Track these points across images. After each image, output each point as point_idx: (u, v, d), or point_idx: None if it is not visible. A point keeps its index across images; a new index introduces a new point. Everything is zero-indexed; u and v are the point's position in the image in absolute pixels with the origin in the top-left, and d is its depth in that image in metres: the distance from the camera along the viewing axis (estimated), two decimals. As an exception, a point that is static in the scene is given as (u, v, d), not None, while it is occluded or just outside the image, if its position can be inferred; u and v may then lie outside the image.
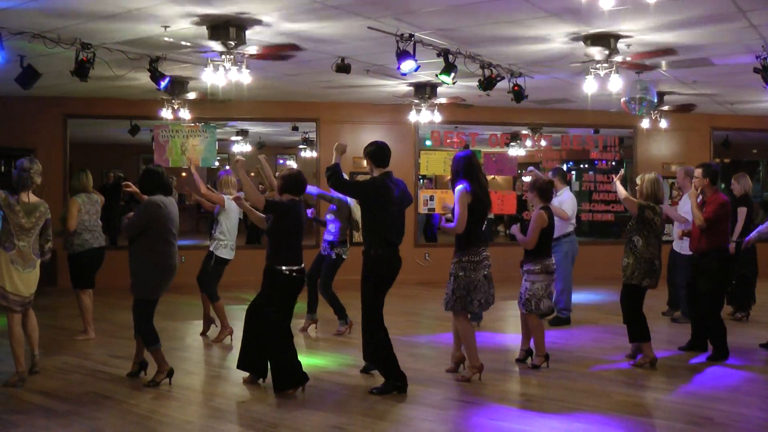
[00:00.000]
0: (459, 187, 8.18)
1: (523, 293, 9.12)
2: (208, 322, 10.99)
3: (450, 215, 8.42)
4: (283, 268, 7.89)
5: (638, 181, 9.36)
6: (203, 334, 10.98)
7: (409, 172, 16.38)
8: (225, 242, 10.48)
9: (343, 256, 10.85)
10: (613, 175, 9.74)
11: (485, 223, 8.65)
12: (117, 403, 7.70)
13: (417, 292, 14.85)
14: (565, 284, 11.60)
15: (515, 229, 9.20)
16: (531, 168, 11.92)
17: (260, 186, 18.59)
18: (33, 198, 8.37)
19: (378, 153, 8.19)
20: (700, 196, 9.75)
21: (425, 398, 7.89)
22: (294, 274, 7.95)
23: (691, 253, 10.05)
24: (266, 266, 8.01)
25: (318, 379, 8.42)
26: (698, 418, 7.22)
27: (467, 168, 8.32)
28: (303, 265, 8.10)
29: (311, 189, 10.29)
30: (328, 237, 10.87)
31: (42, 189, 14.02)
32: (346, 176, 8.32)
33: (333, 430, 6.93)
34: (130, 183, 8.76)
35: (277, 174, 8.78)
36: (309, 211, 11.38)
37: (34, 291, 8.48)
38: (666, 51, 10.86)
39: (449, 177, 8.80)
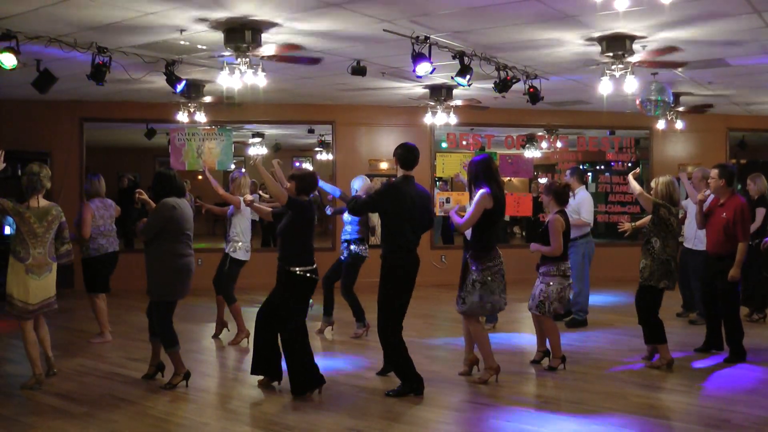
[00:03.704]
0: (481, 191, 8.18)
1: (538, 295, 9.10)
2: (221, 326, 11.05)
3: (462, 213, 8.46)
4: (297, 269, 7.91)
5: (653, 184, 9.34)
6: (215, 336, 11.03)
7: (425, 175, 16.37)
8: (240, 244, 10.51)
9: (363, 254, 10.85)
10: (629, 176, 9.71)
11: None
12: (133, 405, 7.72)
13: (433, 294, 14.83)
14: (582, 286, 11.58)
15: (535, 246, 9.19)
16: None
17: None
18: (43, 202, 8.36)
19: (404, 156, 8.22)
20: (716, 198, 9.72)
21: (442, 400, 7.89)
22: (308, 274, 7.97)
23: (704, 249, 10.04)
24: (279, 267, 8.02)
25: (334, 382, 8.43)
26: (715, 420, 7.18)
27: (486, 171, 8.32)
28: (315, 265, 8.13)
29: (333, 189, 10.32)
30: (345, 236, 10.88)
31: (59, 192, 14.17)
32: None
33: (349, 432, 6.96)
34: (142, 191, 8.78)
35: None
36: (329, 209, 11.49)
37: (54, 293, 8.52)
38: (681, 52, 10.81)
39: (465, 179, 8.81)
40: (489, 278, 8.26)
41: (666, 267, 8.97)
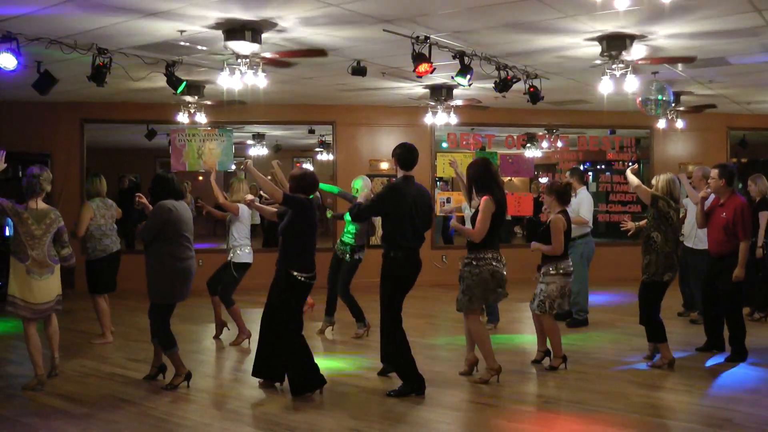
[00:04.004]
0: (484, 198, 8.19)
1: (538, 294, 9.12)
2: (220, 326, 11.05)
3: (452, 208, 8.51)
4: (296, 273, 7.90)
5: (654, 181, 9.33)
6: (216, 337, 11.04)
7: (426, 175, 16.38)
8: (240, 248, 10.51)
9: (361, 259, 10.86)
10: (628, 171, 9.72)
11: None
12: (134, 406, 7.73)
13: (434, 294, 14.83)
14: (581, 286, 11.58)
15: (535, 244, 9.19)
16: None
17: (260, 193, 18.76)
18: (42, 205, 8.37)
19: (403, 156, 8.23)
20: (717, 198, 9.72)
21: (443, 400, 7.89)
22: (306, 280, 7.97)
23: (706, 248, 10.04)
24: (279, 268, 8.02)
25: (336, 382, 8.43)
26: (717, 420, 7.18)
27: (485, 174, 8.33)
28: (315, 271, 8.12)
29: (332, 188, 10.31)
30: (347, 239, 10.87)
31: (60, 193, 14.17)
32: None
33: (350, 432, 6.96)
34: (142, 195, 8.78)
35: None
36: (329, 213, 11.52)
37: (59, 294, 8.53)
38: (682, 51, 10.80)
39: (463, 178, 8.82)
40: (474, 271, 8.24)
41: (669, 260, 8.96)
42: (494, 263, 8.31)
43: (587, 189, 11.97)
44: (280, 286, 8.00)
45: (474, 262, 8.27)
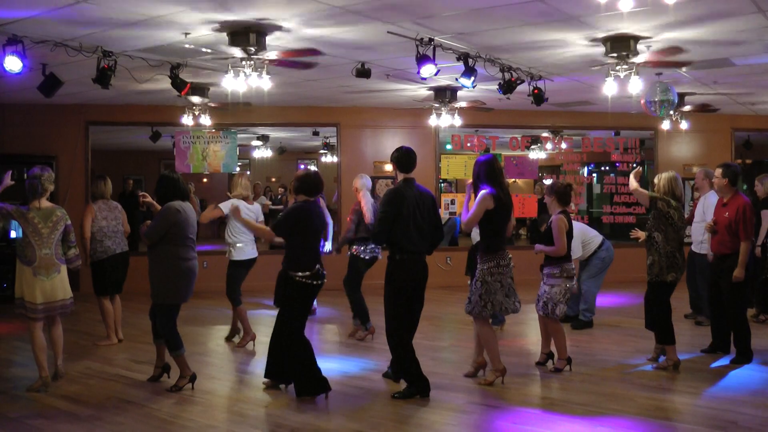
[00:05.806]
0: (483, 191, 8.20)
1: (542, 296, 9.11)
2: (233, 331, 11.02)
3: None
4: (298, 274, 7.89)
5: (656, 180, 9.31)
6: (228, 339, 11.03)
7: (430, 176, 16.37)
8: (238, 245, 10.47)
9: (361, 255, 10.81)
10: (631, 174, 9.71)
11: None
12: (139, 407, 7.74)
13: (439, 295, 14.81)
14: (594, 286, 11.59)
15: (539, 247, 9.17)
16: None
17: (280, 190, 18.77)
18: (46, 203, 8.38)
19: (402, 159, 8.24)
20: (720, 198, 9.72)
21: (448, 402, 7.88)
22: (306, 280, 7.95)
23: (710, 252, 10.03)
24: (281, 270, 8.03)
25: (340, 384, 8.43)
26: (722, 422, 7.16)
27: (489, 172, 8.32)
28: (318, 267, 8.06)
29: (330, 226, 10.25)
30: (349, 235, 10.88)
31: (64, 195, 14.18)
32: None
33: (355, 434, 6.95)
34: (146, 194, 8.77)
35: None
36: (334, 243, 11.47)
37: (71, 297, 8.54)
38: (685, 52, 10.80)
39: (470, 181, 8.81)
40: (490, 278, 8.25)
41: (671, 260, 8.92)
42: (510, 266, 8.36)
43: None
44: (280, 288, 8.03)
45: (496, 267, 8.29)
